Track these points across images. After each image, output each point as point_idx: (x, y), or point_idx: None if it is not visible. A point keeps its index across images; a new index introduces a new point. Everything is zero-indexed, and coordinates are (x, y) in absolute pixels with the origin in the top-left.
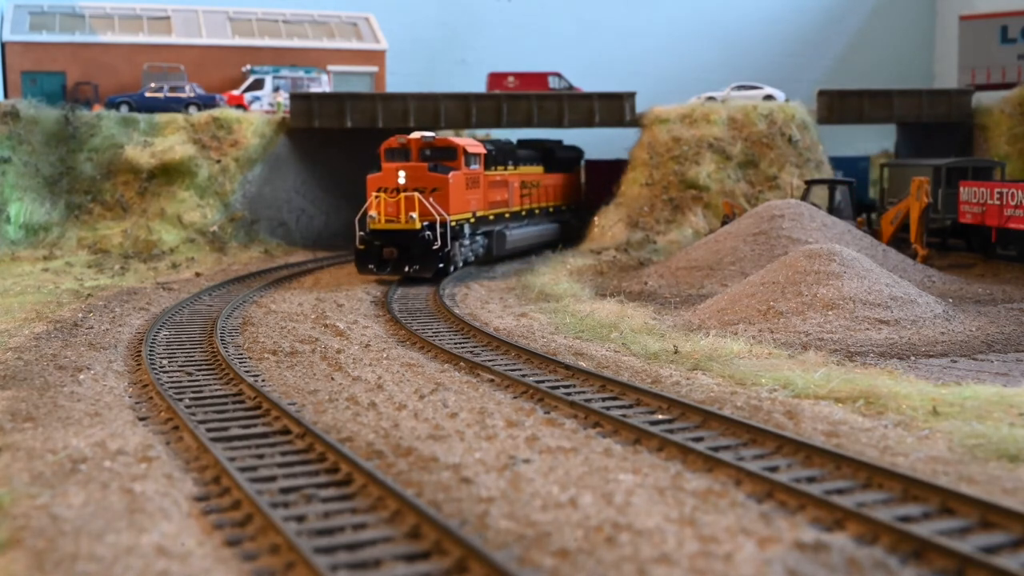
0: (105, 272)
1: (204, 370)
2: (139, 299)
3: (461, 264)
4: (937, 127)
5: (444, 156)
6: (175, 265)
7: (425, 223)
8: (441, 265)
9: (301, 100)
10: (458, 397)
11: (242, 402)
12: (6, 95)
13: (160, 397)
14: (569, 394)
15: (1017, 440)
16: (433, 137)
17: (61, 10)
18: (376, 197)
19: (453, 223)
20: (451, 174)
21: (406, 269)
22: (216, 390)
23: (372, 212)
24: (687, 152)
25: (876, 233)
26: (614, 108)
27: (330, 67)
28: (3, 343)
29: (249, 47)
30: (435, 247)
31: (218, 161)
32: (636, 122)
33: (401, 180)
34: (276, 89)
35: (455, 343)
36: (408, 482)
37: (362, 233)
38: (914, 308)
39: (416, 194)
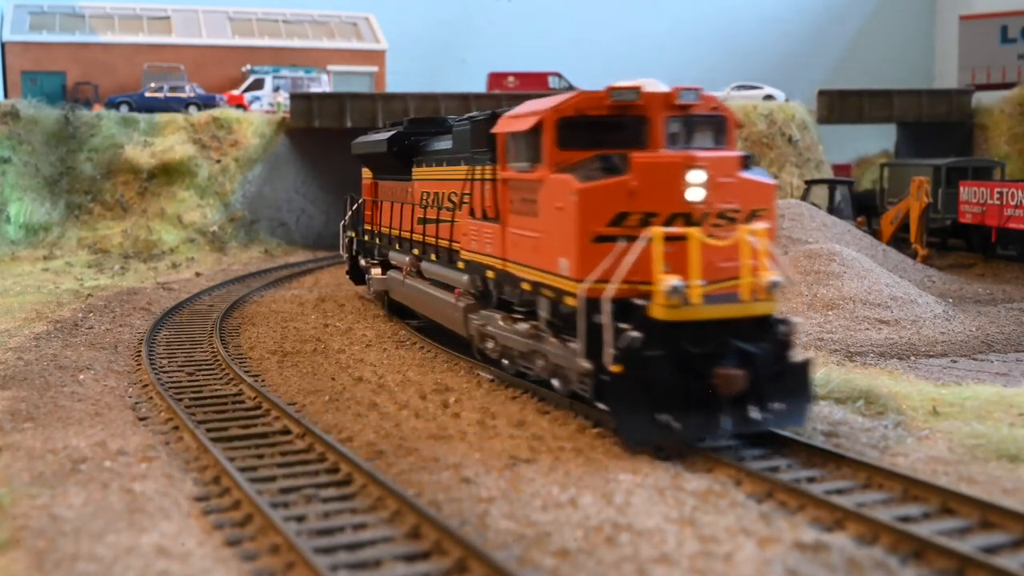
0: (105, 272)
1: (204, 370)
2: (139, 299)
3: None
4: (937, 127)
5: (714, 132)
6: (175, 265)
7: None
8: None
9: (301, 100)
10: (460, 397)
11: (242, 402)
12: (6, 95)
13: (160, 397)
14: None
15: (1017, 440)
16: (696, 93)
17: (61, 10)
18: (642, 239)
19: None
20: (767, 179)
21: (753, 416)
22: (216, 390)
23: (672, 279)
24: None
25: (876, 233)
26: None
27: (330, 67)
28: (3, 343)
29: (249, 47)
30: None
31: (218, 161)
32: None
33: (697, 195)
34: (276, 89)
35: (455, 343)
36: (408, 482)
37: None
38: (914, 308)
39: (756, 228)
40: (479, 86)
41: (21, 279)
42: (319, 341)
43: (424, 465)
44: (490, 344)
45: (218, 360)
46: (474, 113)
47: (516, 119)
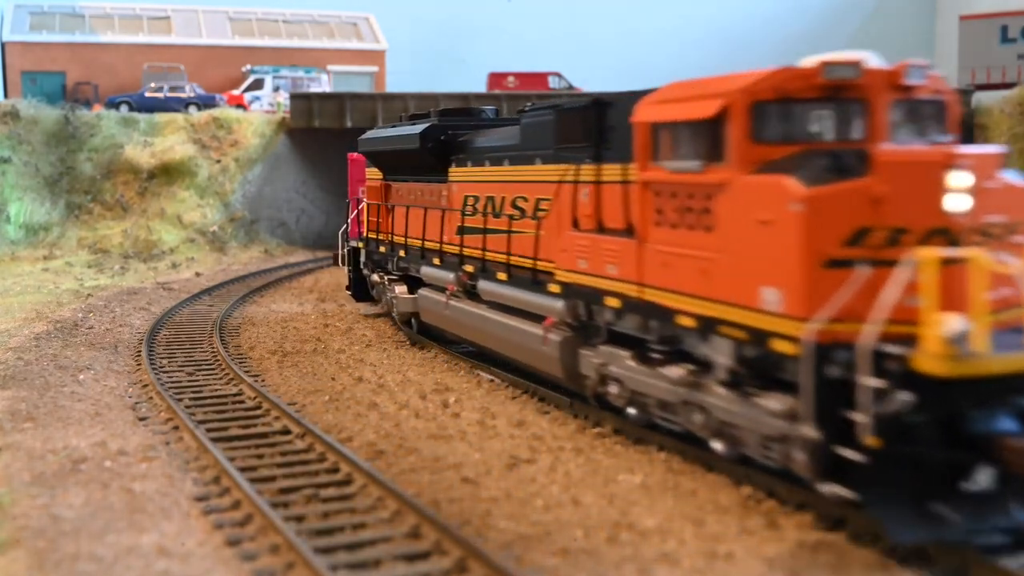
0: (105, 272)
1: (204, 370)
2: (139, 299)
3: None
4: None
5: (936, 120)
6: (175, 265)
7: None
8: None
9: (301, 100)
10: (460, 397)
11: (242, 402)
12: (6, 95)
13: (160, 397)
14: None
15: None
16: (924, 71)
17: (61, 10)
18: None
19: None
20: None
21: None
22: (216, 390)
23: (955, 320)
24: None
25: None
26: None
27: (330, 67)
28: (3, 343)
29: (249, 47)
30: None
31: (218, 161)
32: None
33: (961, 204)
34: (276, 89)
35: (456, 344)
36: (408, 482)
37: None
38: None
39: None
40: (479, 86)
41: (21, 279)
42: (319, 341)
43: (424, 465)
44: (613, 388)
45: (218, 360)
46: (553, 102)
47: (677, 104)
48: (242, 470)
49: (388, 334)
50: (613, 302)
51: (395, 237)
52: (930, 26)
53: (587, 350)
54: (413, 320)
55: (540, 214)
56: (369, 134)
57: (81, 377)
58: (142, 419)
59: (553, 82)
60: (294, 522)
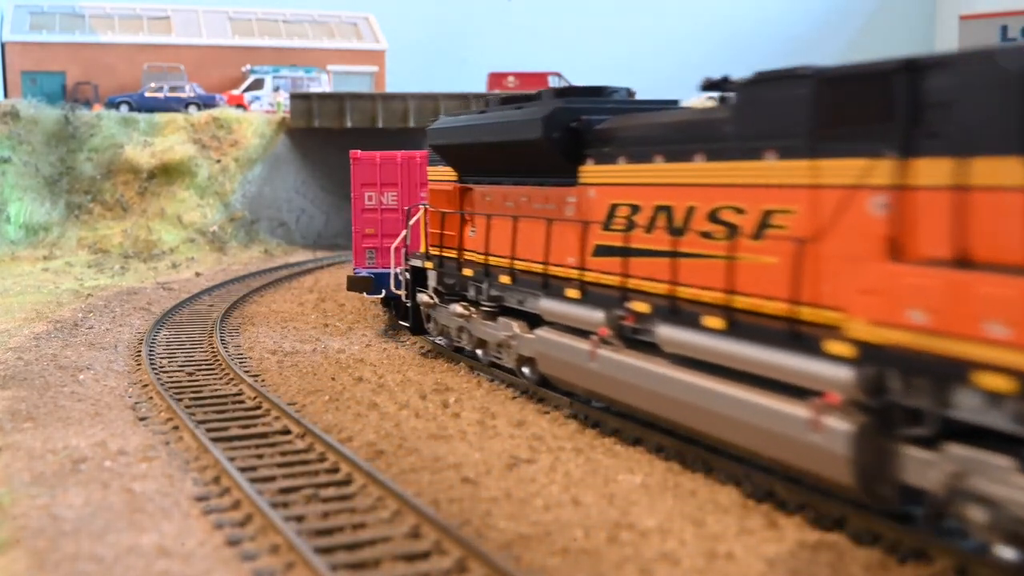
0: (105, 272)
1: (204, 370)
2: (139, 299)
3: None
4: None
5: None
6: (175, 265)
7: None
8: None
9: (301, 100)
10: (460, 397)
11: (242, 402)
12: (6, 95)
13: (160, 397)
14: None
15: None
16: None
17: (61, 10)
18: None
19: None
20: None
21: None
22: (216, 390)
23: None
24: None
25: None
26: None
27: (330, 67)
28: (3, 343)
29: (249, 47)
30: None
31: (218, 161)
32: None
33: None
34: (276, 89)
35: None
36: (408, 482)
37: None
38: None
39: None
40: (479, 86)
41: (21, 279)
42: (319, 341)
43: (424, 465)
44: (978, 514)
45: (218, 360)
46: (801, 66)
47: None
48: (242, 470)
49: (388, 334)
50: (996, 382)
51: (490, 258)
52: (930, 26)
53: (917, 449)
54: (530, 367)
55: (771, 232)
56: (444, 122)
57: (81, 377)
58: (142, 419)
59: (553, 82)
60: (294, 522)
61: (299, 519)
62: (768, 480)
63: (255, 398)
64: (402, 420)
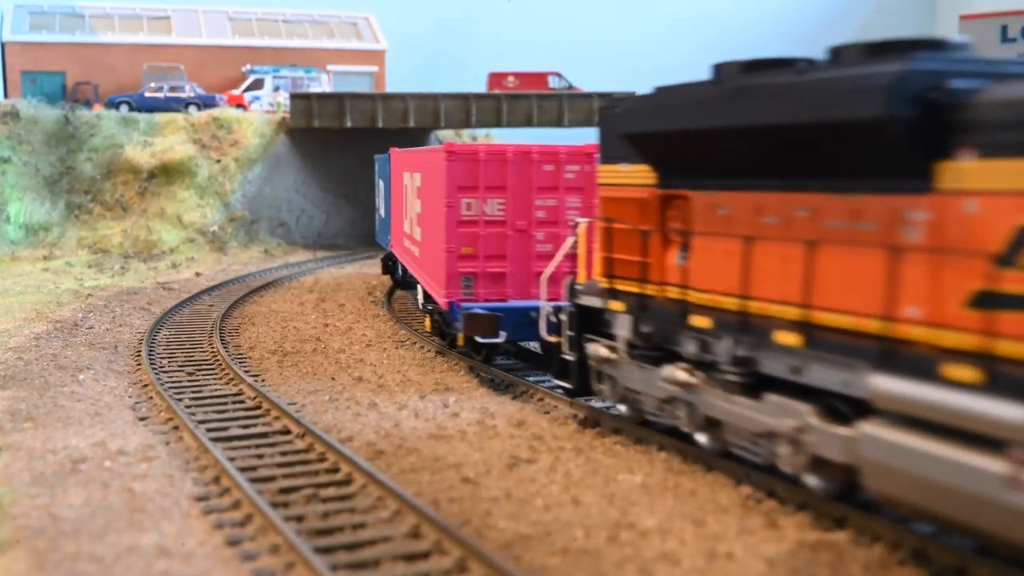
0: (105, 272)
1: (204, 370)
2: (139, 299)
3: None
4: None
5: None
6: (175, 265)
7: None
8: None
9: (301, 100)
10: (460, 397)
11: (242, 402)
12: (6, 95)
13: (160, 397)
14: None
15: None
16: None
17: (61, 10)
18: None
19: None
20: None
21: None
22: (216, 390)
23: None
24: None
25: None
26: None
27: (330, 67)
28: (3, 343)
29: (249, 47)
30: None
31: (218, 161)
32: None
33: None
34: (276, 89)
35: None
36: (408, 482)
37: None
38: None
39: None
40: (479, 86)
41: (21, 279)
42: (319, 341)
43: (424, 465)
44: None
45: (218, 360)
46: None
47: None
48: (242, 470)
49: (388, 334)
50: None
51: (750, 303)
52: (930, 26)
53: None
54: (816, 476)
55: None
56: (645, 101)
57: (81, 377)
58: (142, 419)
59: (553, 82)
60: (294, 522)
61: (299, 519)
62: (768, 480)
63: (255, 398)
64: (402, 420)
